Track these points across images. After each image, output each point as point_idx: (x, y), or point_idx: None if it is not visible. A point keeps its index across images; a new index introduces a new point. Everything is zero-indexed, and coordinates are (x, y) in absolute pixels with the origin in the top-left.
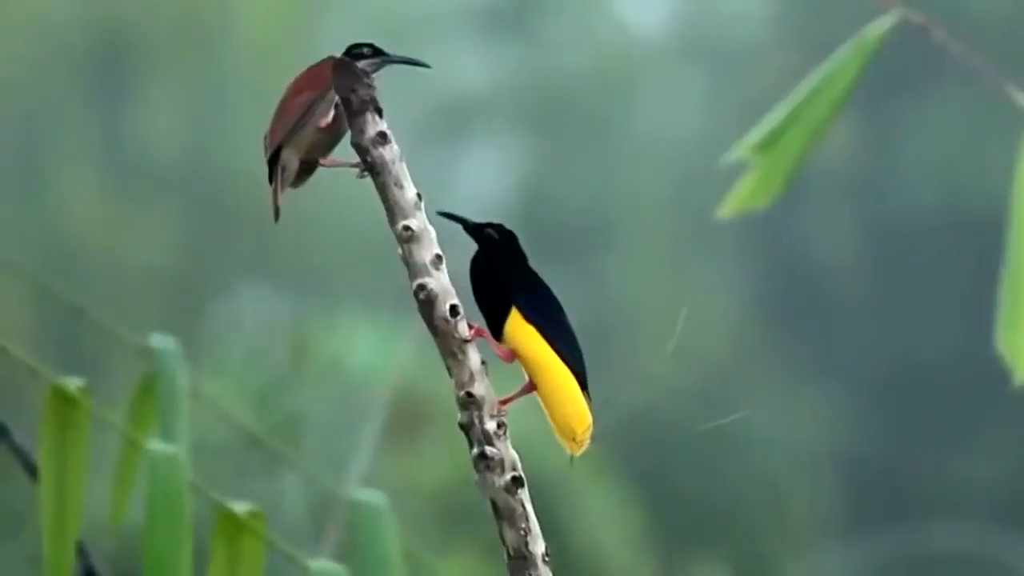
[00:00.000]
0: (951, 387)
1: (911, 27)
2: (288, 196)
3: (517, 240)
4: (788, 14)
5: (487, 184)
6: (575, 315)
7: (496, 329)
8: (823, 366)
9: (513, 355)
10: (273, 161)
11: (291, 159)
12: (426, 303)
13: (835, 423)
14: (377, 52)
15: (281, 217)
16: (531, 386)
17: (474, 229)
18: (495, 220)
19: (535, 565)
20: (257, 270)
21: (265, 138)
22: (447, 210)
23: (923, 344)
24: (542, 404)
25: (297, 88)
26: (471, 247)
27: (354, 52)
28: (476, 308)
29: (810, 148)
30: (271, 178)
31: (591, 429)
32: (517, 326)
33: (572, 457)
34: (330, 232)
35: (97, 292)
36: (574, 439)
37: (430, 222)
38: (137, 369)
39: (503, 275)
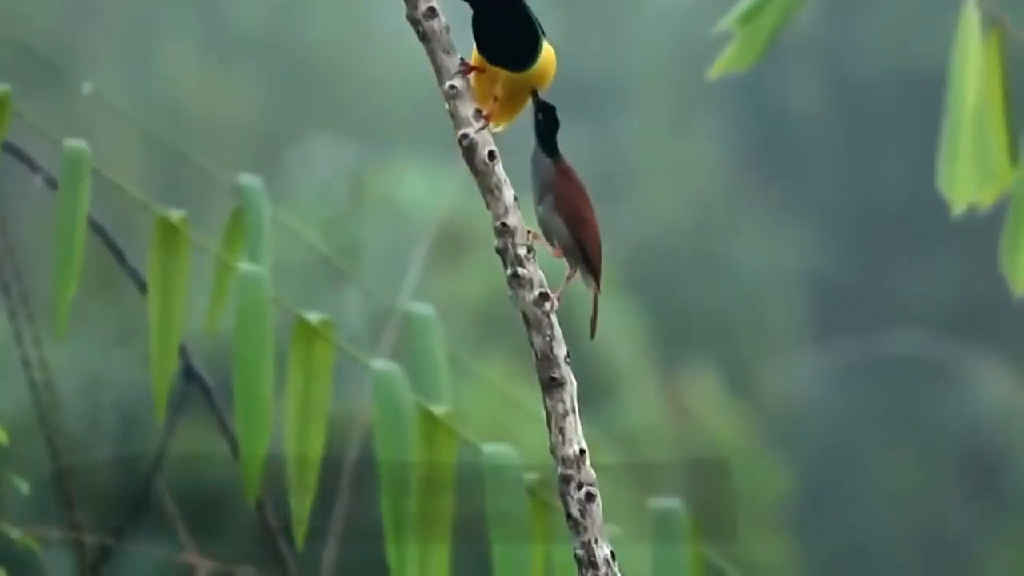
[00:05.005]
0: (904, 218)
1: None
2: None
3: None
4: None
5: None
6: (587, 164)
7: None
8: (797, 202)
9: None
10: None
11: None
12: (468, 149)
13: (806, 249)
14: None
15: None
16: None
17: None
18: None
19: (558, 365)
20: (326, 122)
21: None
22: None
23: (881, 182)
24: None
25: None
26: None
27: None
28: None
29: (784, 21)
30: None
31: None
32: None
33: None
34: (388, 91)
35: (195, 141)
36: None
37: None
38: (228, 203)
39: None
